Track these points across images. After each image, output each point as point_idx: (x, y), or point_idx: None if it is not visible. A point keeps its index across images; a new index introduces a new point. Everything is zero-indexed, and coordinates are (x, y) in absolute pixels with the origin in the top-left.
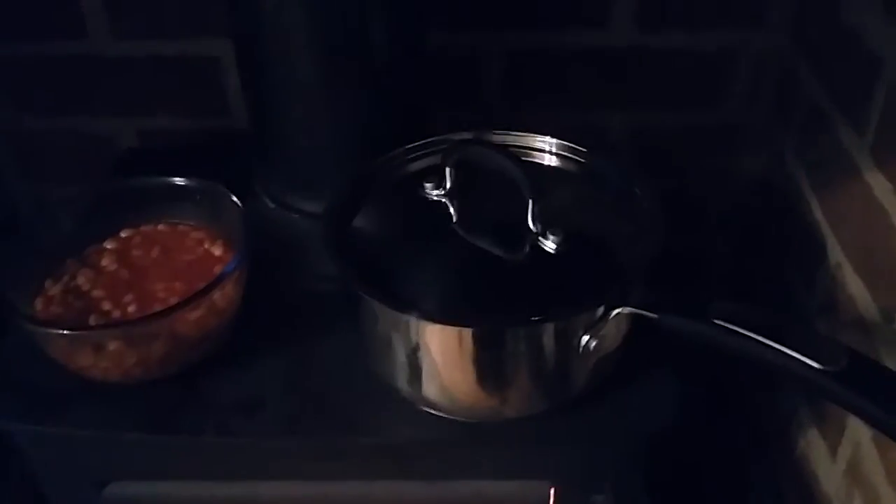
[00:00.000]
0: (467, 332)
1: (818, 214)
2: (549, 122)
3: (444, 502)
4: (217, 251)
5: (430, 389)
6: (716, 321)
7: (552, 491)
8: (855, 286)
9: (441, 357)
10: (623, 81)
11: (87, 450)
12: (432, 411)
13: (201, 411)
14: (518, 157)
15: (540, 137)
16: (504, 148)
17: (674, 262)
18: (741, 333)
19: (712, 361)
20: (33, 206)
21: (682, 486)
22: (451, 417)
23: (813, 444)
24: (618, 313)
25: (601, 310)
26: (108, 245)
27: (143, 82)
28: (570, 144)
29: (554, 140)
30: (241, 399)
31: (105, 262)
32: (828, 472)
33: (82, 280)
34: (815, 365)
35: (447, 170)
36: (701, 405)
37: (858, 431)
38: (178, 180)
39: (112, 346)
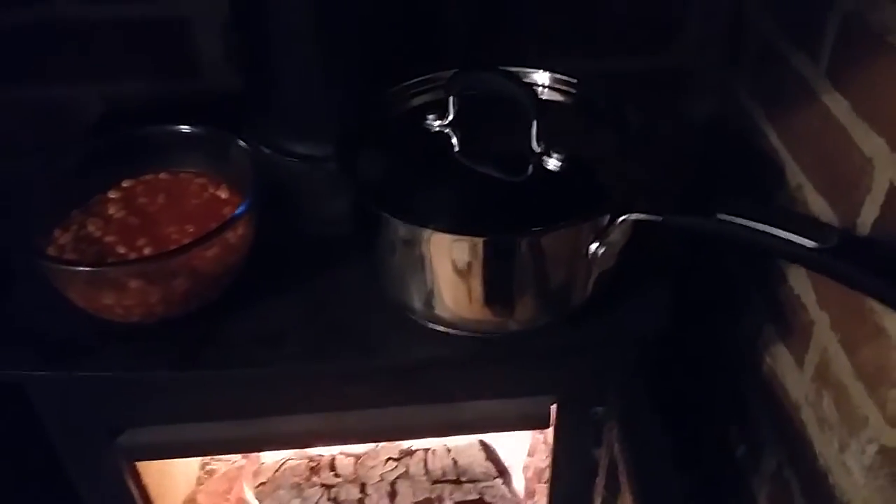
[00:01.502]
0: (482, 243)
1: (776, 142)
2: None
3: (453, 425)
4: (223, 194)
5: (442, 307)
6: (719, 216)
7: (554, 406)
8: (816, 203)
9: (455, 271)
10: (575, 27)
11: (105, 396)
12: (444, 329)
13: (225, 346)
14: (521, 79)
15: (533, 71)
16: (508, 73)
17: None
18: (743, 224)
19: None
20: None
21: (680, 396)
22: (461, 333)
23: (779, 358)
24: (624, 219)
25: (608, 217)
26: (112, 195)
27: (107, 46)
28: (561, 76)
29: (546, 73)
30: (262, 333)
31: (112, 210)
32: (795, 380)
33: (93, 228)
34: (810, 244)
35: (451, 99)
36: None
37: (825, 337)
38: (183, 128)
39: (133, 284)
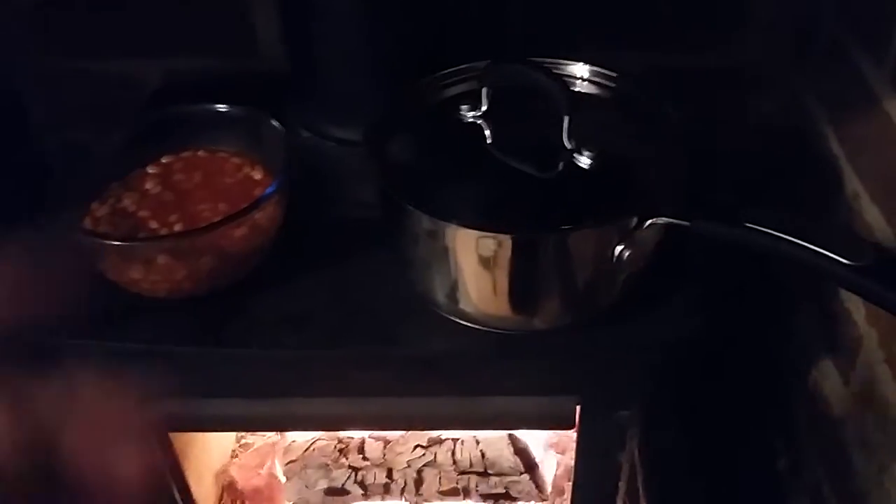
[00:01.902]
0: (506, 240)
1: (835, 148)
2: None
3: (475, 419)
4: (257, 175)
5: (465, 301)
6: (747, 224)
7: (578, 407)
8: (871, 214)
9: (479, 266)
10: (636, 19)
11: (133, 365)
12: (467, 323)
13: (250, 325)
14: (554, 74)
15: (571, 63)
16: (541, 66)
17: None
18: (772, 234)
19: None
20: (60, 147)
21: (708, 406)
22: (485, 329)
23: (825, 372)
24: (651, 223)
25: (635, 220)
26: (151, 170)
27: (169, 22)
28: (601, 69)
29: (586, 66)
30: (288, 314)
31: (149, 185)
32: (840, 396)
33: (128, 202)
34: (843, 261)
35: (484, 90)
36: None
37: (872, 354)
38: (220, 107)
39: (161, 259)
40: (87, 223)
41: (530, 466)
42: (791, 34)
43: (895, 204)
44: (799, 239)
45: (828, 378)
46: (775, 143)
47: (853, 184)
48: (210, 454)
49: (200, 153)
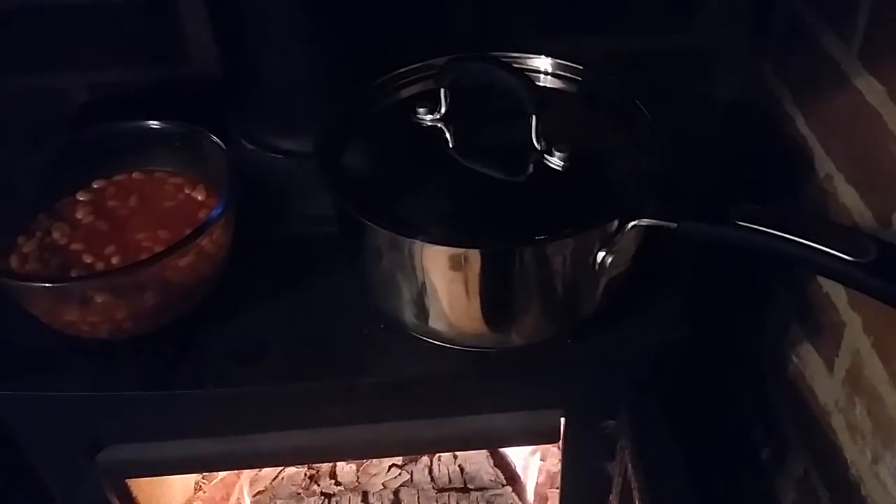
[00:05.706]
0: (478, 255)
1: (804, 129)
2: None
3: (456, 440)
4: (199, 196)
5: (437, 320)
6: (739, 223)
7: (563, 420)
8: (848, 196)
9: (450, 283)
10: (590, 4)
11: (78, 413)
12: (440, 343)
13: (199, 364)
14: (519, 70)
15: (534, 56)
16: (503, 62)
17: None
18: (768, 233)
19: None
20: None
21: (694, 409)
22: (460, 348)
23: (807, 360)
24: (634, 226)
25: (616, 223)
26: (81, 197)
27: (91, 32)
28: (566, 62)
29: (549, 59)
30: (240, 348)
31: (80, 214)
32: (825, 384)
33: (58, 234)
34: (845, 257)
35: (442, 91)
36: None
37: (857, 340)
38: (153, 124)
39: (99, 298)
40: (14, 261)
41: (511, 478)
42: (749, 13)
43: (873, 184)
44: (797, 236)
45: (810, 365)
46: (740, 127)
47: (825, 166)
48: (172, 490)
49: (135, 175)
